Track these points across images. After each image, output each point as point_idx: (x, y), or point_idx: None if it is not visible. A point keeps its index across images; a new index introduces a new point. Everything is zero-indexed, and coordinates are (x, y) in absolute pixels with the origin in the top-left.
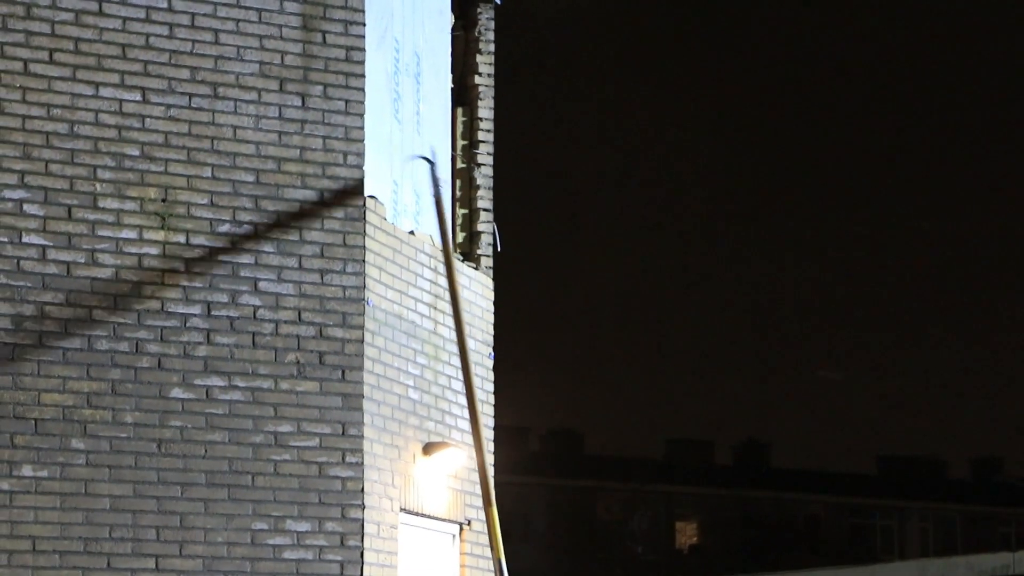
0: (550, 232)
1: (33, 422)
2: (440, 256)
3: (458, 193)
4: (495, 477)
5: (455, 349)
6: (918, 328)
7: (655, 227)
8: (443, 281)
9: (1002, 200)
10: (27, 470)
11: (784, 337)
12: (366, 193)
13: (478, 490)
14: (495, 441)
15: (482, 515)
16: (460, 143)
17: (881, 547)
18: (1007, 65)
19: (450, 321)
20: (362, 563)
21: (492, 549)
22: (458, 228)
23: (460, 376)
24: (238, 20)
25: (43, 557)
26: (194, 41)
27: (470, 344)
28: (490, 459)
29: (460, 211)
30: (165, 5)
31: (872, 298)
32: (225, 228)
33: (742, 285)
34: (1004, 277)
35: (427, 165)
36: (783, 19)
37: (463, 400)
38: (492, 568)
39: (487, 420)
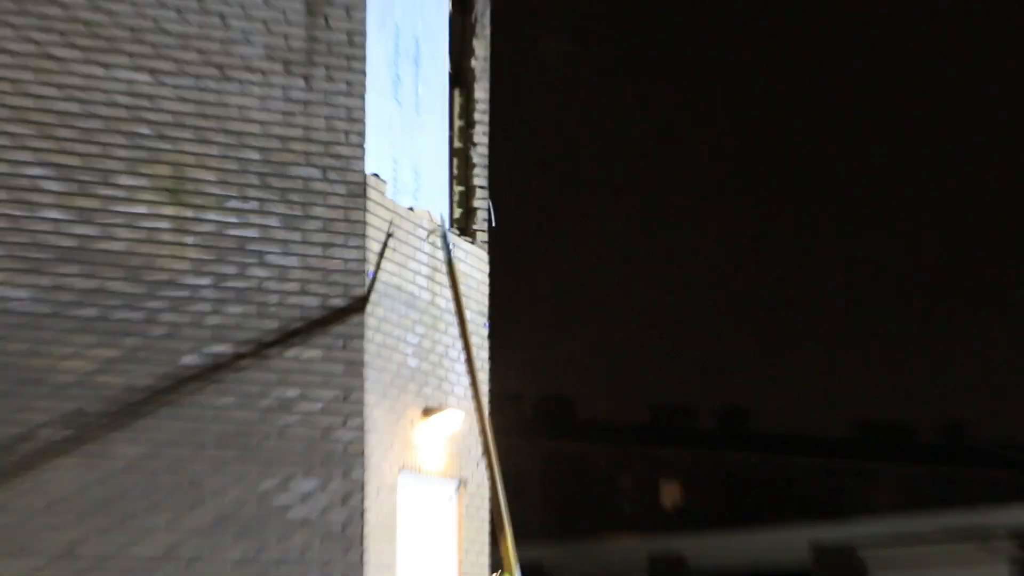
0: (541, 207)
1: (52, 387)
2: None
3: (455, 171)
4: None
5: (452, 319)
6: (892, 299)
7: (642, 199)
8: (440, 254)
9: (981, 172)
10: (46, 433)
11: (764, 307)
12: (367, 171)
13: (475, 451)
14: (491, 406)
15: (478, 474)
16: (457, 123)
17: (856, 507)
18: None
19: (448, 292)
20: (363, 521)
21: (504, 571)
22: (455, 204)
23: (457, 345)
24: (245, 5)
25: (60, 516)
26: (203, 25)
27: (466, 315)
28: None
29: (457, 188)
30: None
31: (848, 270)
32: (233, 204)
33: (724, 255)
34: (974, 246)
35: (442, 234)
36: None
37: (460, 368)
38: (489, 521)
39: (484, 388)
